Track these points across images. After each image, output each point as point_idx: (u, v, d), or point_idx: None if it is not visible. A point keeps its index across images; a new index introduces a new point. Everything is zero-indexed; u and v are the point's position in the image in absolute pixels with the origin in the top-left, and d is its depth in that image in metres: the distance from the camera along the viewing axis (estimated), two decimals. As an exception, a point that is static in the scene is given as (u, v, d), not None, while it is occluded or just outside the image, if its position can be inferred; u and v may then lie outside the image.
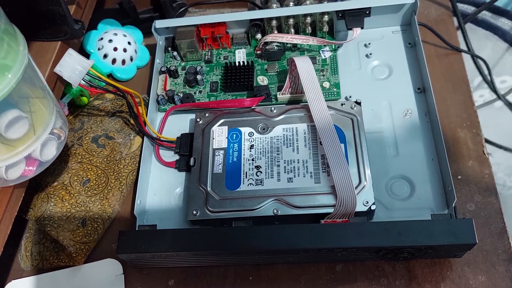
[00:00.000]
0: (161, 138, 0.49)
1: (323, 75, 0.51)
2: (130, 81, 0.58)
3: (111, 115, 0.52)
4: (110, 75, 0.57)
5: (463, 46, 0.56)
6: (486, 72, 0.55)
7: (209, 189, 0.44)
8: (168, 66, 0.54)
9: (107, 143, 0.49)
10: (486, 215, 0.44)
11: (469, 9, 0.64)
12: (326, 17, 0.53)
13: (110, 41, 0.56)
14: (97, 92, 0.53)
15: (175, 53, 0.55)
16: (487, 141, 0.50)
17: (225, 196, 0.43)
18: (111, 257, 0.45)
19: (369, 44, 0.54)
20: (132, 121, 0.52)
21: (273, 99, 0.50)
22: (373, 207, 0.41)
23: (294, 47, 0.54)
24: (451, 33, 0.56)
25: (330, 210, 0.41)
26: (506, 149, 0.62)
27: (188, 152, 0.47)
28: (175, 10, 0.60)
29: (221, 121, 0.48)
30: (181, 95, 0.52)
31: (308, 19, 0.53)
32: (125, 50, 0.57)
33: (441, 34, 0.54)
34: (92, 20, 0.52)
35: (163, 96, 0.52)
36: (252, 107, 0.49)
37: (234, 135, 0.47)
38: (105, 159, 0.48)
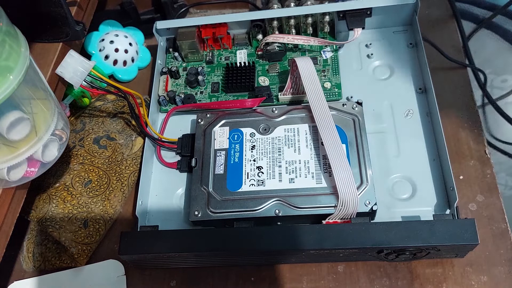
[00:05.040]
0: (163, 139, 0.49)
1: (324, 76, 0.51)
2: (132, 82, 0.58)
3: (112, 116, 0.52)
4: (111, 76, 0.57)
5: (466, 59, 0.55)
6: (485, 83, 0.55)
7: (210, 190, 0.44)
8: (169, 67, 0.54)
9: (108, 144, 0.49)
10: (488, 215, 0.44)
11: (470, 8, 0.63)
12: (327, 18, 0.53)
13: (112, 42, 0.56)
14: (99, 93, 0.52)
15: (176, 54, 0.55)
16: (488, 142, 0.50)
17: (226, 196, 0.43)
18: (113, 258, 0.45)
19: (370, 44, 0.54)
20: (133, 122, 0.52)
21: (274, 100, 0.50)
22: (375, 208, 0.41)
23: (295, 48, 0.54)
24: (452, 34, 0.56)
25: (332, 210, 0.41)
26: (505, 153, 0.61)
27: (190, 153, 0.47)
28: (176, 11, 0.60)
29: (223, 121, 0.48)
30: (183, 96, 0.52)
31: (309, 20, 0.53)
32: (126, 51, 0.57)
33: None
34: (94, 21, 0.52)
35: (164, 97, 0.52)
36: (254, 108, 0.49)
37: (236, 136, 0.47)
38: (107, 160, 0.49)
